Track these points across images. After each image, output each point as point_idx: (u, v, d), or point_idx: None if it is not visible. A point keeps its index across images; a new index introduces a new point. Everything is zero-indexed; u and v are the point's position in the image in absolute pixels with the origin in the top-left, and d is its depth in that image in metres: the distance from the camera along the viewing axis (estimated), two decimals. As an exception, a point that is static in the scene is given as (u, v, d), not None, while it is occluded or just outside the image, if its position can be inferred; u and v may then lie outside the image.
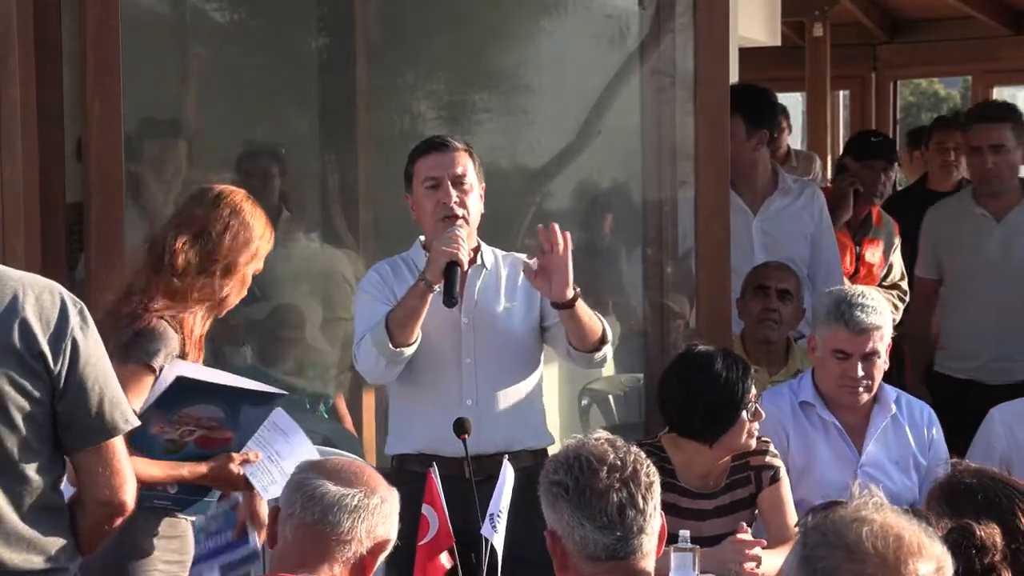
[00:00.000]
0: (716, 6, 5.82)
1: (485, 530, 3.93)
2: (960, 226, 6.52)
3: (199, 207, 4.21)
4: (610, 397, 6.55)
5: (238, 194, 4.23)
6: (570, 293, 4.57)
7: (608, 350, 4.73)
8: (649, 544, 2.97)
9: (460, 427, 4.38)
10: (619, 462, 2.98)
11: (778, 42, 8.71)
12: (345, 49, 6.41)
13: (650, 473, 3.01)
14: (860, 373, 4.92)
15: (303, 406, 6.23)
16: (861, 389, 4.96)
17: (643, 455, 3.04)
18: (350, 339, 6.34)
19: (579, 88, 6.62)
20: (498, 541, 3.94)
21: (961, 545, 2.94)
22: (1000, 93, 12.08)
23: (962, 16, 10.51)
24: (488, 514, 3.95)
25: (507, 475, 4.02)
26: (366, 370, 4.67)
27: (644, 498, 2.97)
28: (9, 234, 5.13)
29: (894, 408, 5.09)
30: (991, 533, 2.99)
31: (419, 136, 5.29)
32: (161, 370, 4.02)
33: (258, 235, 4.19)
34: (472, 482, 4.26)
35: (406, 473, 4.61)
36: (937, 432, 5.13)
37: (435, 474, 3.99)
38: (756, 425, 4.67)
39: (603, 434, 3.06)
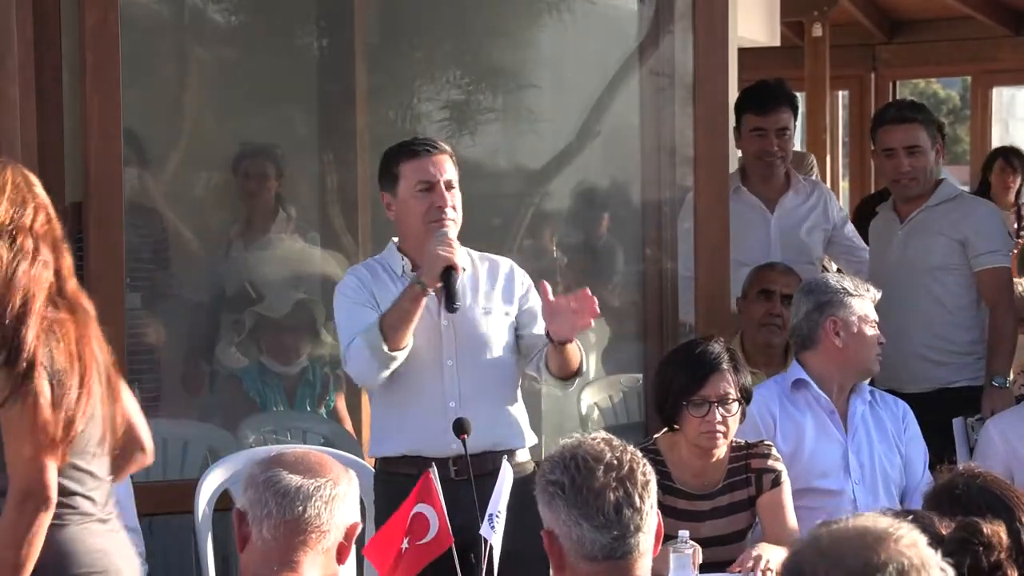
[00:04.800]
0: (715, 6, 5.82)
1: (484, 530, 3.94)
2: (875, 225, 6.49)
3: None
4: (610, 398, 6.55)
5: None
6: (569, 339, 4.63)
7: (577, 380, 4.81)
8: (646, 543, 2.97)
9: (460, 427, 4.39)
10: (616, 461, 2.97)
11: (777, 42, 8.71)
12: (344, 49, 6.41)
13: (646, 472, 3.00)
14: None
15: (304, 407, 6.24)
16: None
17: (639, 454, 3.03)
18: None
19: (578, 88, 6.62)
20: (496, 541, 3.95)
21: (968, 542, 2.94)
22: (999, 93, 12.08)
23: (962, 16, 10.51)
24: (488, 514, 3.95)
25: (506, 475, 4.02)
26: (358, 373, 4.67)
27: (641, 497, 2.96)
28: (8, 234, 5.12)
29: (869, 395, 5.22)
30: (997, 530, 2.99)
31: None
32: None
33: None
34: (472, 482, 4.27)
35: (393, 475, 4.63)
36: (913, 422, 5.25)
37: (434, 475, 3.99)
38: (720, 426, 4.66)
39: (600, 434, 3.06)
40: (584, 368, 4.79)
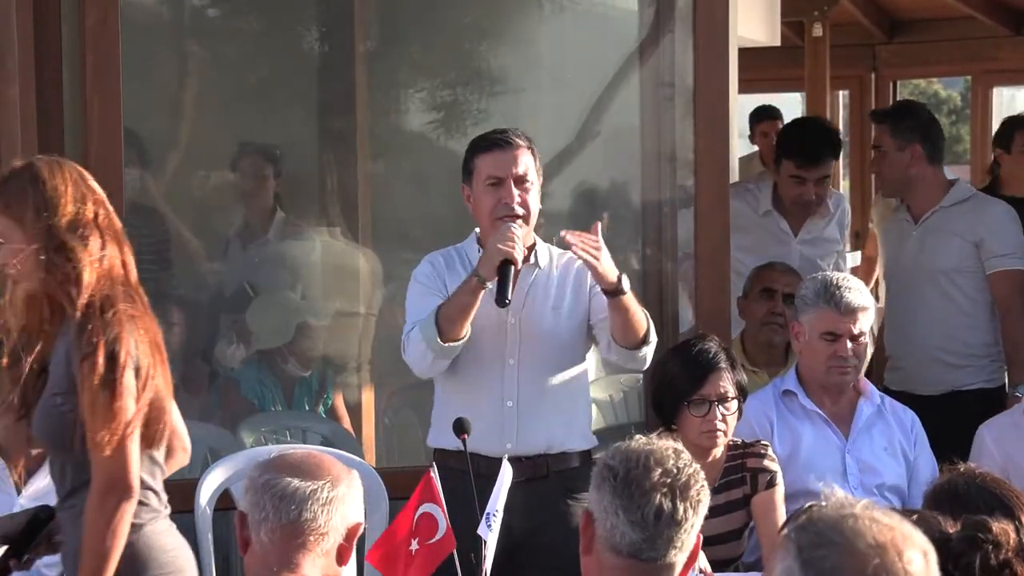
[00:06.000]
0: (716, 6, 5.82)
1: (481, 529, 3.93)
2: (889, 229, 6.54)
3: None
4: (610, 397, 6.55)
5: None
6: (613, 276, 4.51)
7: (649, 351, 4.68)
8: (676, 558, 2.97)
9: (460, 427, 4.38)
10: (675, 470, 2.99)
11: (778, 42, 8.69)
12: (344, 49, 6.41)
13: (701, 492, 3.01)
14: (849, 354, 4.99)
15: (302, 406, 6.24)
16: (849, 370, 5.03)
17: (702, 474, 3.04)
18: (354, 336, 6.37)
19: (578, 88, 6.61)
20: (492, 540, 3.95)
21: (977, 540, 2.94)
22: (1000, 93, 12.06)
23: (962, 16, 10.50)
24: (485, 513, 3.95)
25: (505, 475, 4.02)
26: (413, 361, 4.64)
27: (686, 513, 2.97)
28: (8, 234, 5.12)
29: (880, 400, 5.17)
30: (1005, 528, 2.99)
31: (418, 137, 5.30)
32: None
33: None
34: (472, 480, 4.26)
35: (445, 469, 4.57)
36: (922, 433, 5.19)
37: (435, 474, 3.99)
38: (721, 424, 4.66)
39: (675, 444, 3.08)
40: (652, 337, 4.66)
